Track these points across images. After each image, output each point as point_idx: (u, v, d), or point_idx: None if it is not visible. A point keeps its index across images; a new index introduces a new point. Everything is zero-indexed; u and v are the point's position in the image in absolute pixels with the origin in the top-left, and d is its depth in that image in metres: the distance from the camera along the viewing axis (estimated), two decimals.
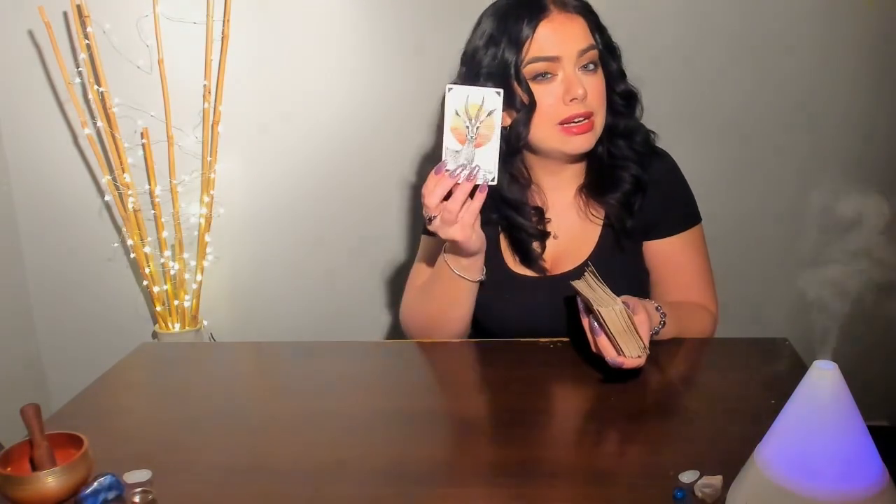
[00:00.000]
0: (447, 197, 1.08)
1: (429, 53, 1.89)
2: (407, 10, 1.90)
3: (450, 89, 1.06)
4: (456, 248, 1.16)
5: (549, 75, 1.15)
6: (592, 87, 1.16)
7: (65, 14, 1.89)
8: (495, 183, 1.08)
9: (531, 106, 1.16)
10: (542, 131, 1.18)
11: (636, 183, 1.22)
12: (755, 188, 1.97)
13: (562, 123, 1.16)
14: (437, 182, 1.07)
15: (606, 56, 1.20)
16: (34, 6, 1.79)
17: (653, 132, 1.27)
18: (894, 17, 1.84)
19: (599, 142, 1.21)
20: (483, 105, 1.06)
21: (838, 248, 0.77)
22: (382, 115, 1.97)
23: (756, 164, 1.96)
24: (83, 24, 1.81)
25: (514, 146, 1.20)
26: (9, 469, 0.82)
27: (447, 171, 1.07)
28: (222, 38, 1.86)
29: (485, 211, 1.12)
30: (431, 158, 1.94)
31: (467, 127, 1.07)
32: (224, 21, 1.85)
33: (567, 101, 1.14)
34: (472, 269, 1.19)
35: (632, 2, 1.84)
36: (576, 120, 1.15)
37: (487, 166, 1.08)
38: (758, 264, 2.01)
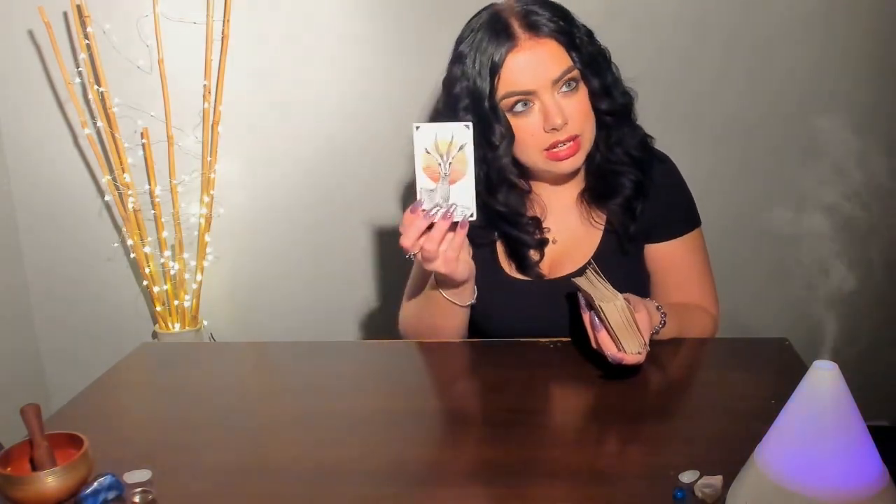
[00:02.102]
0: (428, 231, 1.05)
1: (430, 53, 1.88)
2: (408, 10, 1.89)
3: (417, 128, 1.03)
4: (443, 278, 1.15)
5: (527, 105, 1.14)
6: (573, 109, 1.14)
7: (65, 14, 1.89)
8: (474, 218, 1.06)
9: (510, 138, 1.16)
10: (529, 158, 1.19)
11: (637, 187, 1.22)
12: (754, 188, 1.97)
13: (547, 149, 1.16)
14: (412, 221, 1.04)
15: (587, 73, 1.16)
16: (34, 6, 1.79)
17: (650, 136, 1.27)
18: (894, 17, 1.84)
19: (596, 150, 1.21)
20: (453, 140, 1.03)
21: (838, 247, 0.77)
22: (383, 115, 1.97)
23: (755, 163, 1.96)
24: (83, 24, 1.81)
25: (500, 178, 1.19)
26: (9, 469, 0.82)
27: (423, 210, 1.04)
28: (222, 38, 1.86)
29: (481, 223, 1.11)
30: None
31: (440, 164, 1.04)
32: (224, 21, 1.85)
33: (547, 130, 1.14)
34: (462, 295, 1.19)
35: (629, 1, 1.84)
36: (560, 145, 1.15)
37: (465, 202, 1.05)
38: (758, 264, 2.01)
